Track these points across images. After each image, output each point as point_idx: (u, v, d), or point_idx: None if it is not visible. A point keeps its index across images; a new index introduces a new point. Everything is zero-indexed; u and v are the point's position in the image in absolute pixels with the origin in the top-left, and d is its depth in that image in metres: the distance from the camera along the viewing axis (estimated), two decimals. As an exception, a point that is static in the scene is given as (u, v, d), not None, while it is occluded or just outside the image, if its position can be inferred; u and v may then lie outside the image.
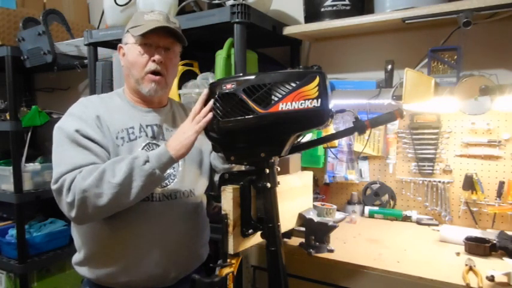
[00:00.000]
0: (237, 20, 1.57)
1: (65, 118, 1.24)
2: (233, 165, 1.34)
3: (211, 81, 1.74)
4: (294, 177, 1.50)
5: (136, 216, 1.21)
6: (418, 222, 1.81)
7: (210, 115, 1.11)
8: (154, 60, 1.25)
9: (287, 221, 1.42)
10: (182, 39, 1.31)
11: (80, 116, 1.21)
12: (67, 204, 1.12)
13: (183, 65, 1.92)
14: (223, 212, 1.13)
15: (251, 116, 1.04)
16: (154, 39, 1.26)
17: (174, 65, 1.34)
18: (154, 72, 1.27)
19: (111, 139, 1.22)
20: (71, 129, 1.18)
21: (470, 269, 1.25)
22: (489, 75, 1.51)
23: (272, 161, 1.14)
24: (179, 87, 1.82)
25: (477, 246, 1.41)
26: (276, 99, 1.03)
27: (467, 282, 1.16)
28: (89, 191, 1.09)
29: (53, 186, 1.15)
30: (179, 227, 1.29)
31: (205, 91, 1.15)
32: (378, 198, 1.95)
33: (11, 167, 2.45)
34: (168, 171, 1.27)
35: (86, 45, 2.09)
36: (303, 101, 1.01)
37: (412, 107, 1.69)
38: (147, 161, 1.12)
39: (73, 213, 1.12)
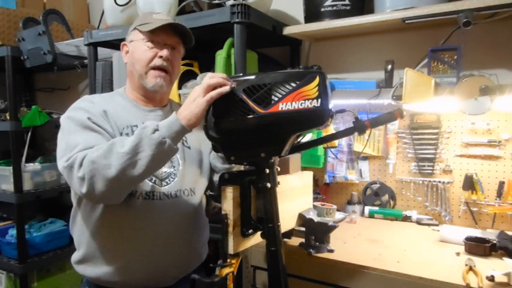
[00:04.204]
0: (237, 20, 1.57)
1: (73, 110, 1.23)
2: (233, 165, 1.34)
3: (211, 81, 1.74)
4: (294, 177, 1.50)
5: (136, 215, 1.21)
6: (418, 222, 1.81)
7: (227, 88, 1.06)
8: (161, 56, 1.26)
9: (287, 221, 1.42)
10: (190, 39, 1.33)
11: (88, 110, 1.21)
12: (78, 179, 1.08)
13: (183, 65, 1.92)
14: (223, 212, 1.13)
15: (251, 116, 1.04)
16: (162, 36, 1.27)
17: (178, 65, 1.35)
18: (159, 68, 1.27)
19: (118, 133, 1.23)
20: (82, 116, 1.18)
21: (470, 269, 1.25)
22: (489, 75, 1.51)
23: (272, 161, 1.14)
24: (179, 87, 1.82)
25: (477, 246, 1.41)
26: (276, 99, 1.03)
27: (467, 282, 1.16)
28: (98, 163, 1.05)
29: (64, 164, 1.11)
30: (179, 226, 1.29)
31: (230, 83, 1.07)
32: (378, 198, 1.95)
33: (11, 167, 2.45)
34: (168, 170, 1.28)
35: (86, 45, 2.09)
36: (303, 101, 1.01)
37: (412, 107, 1.69)
38: (156, 130, 1.08)
39: (84, 189, 1.08)
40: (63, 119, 1.22)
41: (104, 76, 2.03)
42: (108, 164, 1.05)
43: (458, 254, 1.41)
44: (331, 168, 2.05)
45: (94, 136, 1.16)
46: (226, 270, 1.12)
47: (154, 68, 1.27)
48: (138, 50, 1.28)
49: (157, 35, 1.26)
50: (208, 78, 1.08)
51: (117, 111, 1.27)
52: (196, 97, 1.08)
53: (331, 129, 1.47)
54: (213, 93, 1.05)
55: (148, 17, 1.30)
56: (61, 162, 1.13)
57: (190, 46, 1.36)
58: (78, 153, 1.10)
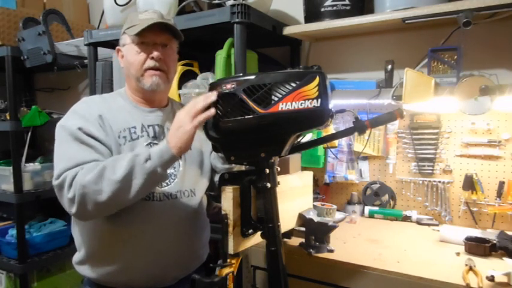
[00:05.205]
0: (237, 20, 1.57)
1: (68, 116, 1.24)
2: (233, 165, 1.34)
3: (211, 81, 1.74)
4: (294, 177, 1.50)
5: (136, 216, 1.21)
6: (418, 222, 1.81)
7: (212, 111, 1.08)
8: (152, 58, 1.26)
9: (287, 221, 1.42)
10: (178, 34, 1.31)
11: (83, 115, 1.22)
12: (68, 200, 1.11)
13: (183, 65, 1.92)
14: (223, 212, 1.13)
15: (251, 116, 1.04)
16: (150, 36, 1.26)
17: (174, 61, 1.34)
18: (153, 69, 1.27)
19: (114, 138, 1.22)
20: (73, 127, 1.18)
21: (470, 269, 1.25)
22: (489, 75, 1.51)
23: (272, 161, 1.14)
24: (179, 87, 1.82)
25: (477, 246, 1.41)
26: (276, 99, 1.03)
27: (467, 282, 1.16)
28: (89, 187, 1.08)
29: (55, 182, 1.14)
30: (179, 227, 1.29)
31: (213, 96, 1.09)
32: (378, 198, 1.95)
33: (11, 167, 2.45)
34: (169, 171, 1.27)
35: (86, 45, 2.09)
36: (303, 101, 1.01)
37: (412, 107, 1.69)
38: (148, 159, 1.10)
39: (73, 209, 1.11)
40: (58, 126, 1.23)
41: (104, 76, 2.03)
42: (99, 190, 1.08)
43: (458, 254, 1.41)
44: (331, 168, 2.05)
45: (84, 151, 1.16)
46: (226, 270, 1.12)
47: (149, 69, 1.27)
48: (130, 54, 1.28)
49: (145, 36, 1.25)
50: (192, 106, 1.09)
51: (115, 114, 1.26)
52: (182, 124, 1.09)
53: (331, 129, 1.47)
54: (200, 118, 1.08)
55: (134, 18, 1.28)
56: (54, 177, 1.16)
57: (181, 40, 1.34)
58: (68, 173, 1.12)
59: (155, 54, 1.25)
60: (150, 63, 1.26)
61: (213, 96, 1.08)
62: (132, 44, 1.27)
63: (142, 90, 1.31)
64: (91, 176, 1.08)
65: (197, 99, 1.11)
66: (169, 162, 1.13)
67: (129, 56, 1.28)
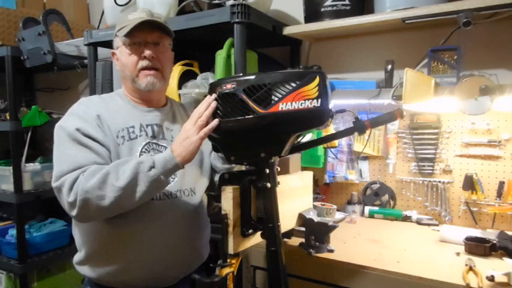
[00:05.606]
0: (237, 20, 1.57)
1: (66, 117, 1.24)
2: (233, 165, 1.34)
3: (211, 81, 1.74)
4: (294, 177, 1.50)
5: (136, 215, 1.21)
6: (418, 222, 1.81)
7: (216, 122, 1.10)
8: (145, 57, 1.25)
9: (287, 221, 1.42)
10: (168, 31, 1.30)
11: (81, 116, 1.22)
12: (68, 203, 1.12)
13: (183, 65, 1.92)
14: (223, 212, 1.13)
15: (251, 116, 1.04)
16: (141, 36, 1.26)
17: (168, 59, 1.33)
18: (147, 68, 1.27)
19: (112, 138, 1.22)
20: (71, 128, 1.18)
21: (470, 269, 1.25)
22: (489, 75, 1.51)
23: (272, 161, 1.14)
24: (179, 87, 1.82)
25: (477, 246, 1.41)
26: (276, 99, 1.03)
27: (467, 282, 1.16)
28: (91, 193, 1.09)
29: (54, 184, 1.15)
30: (180, 226, 1.29)
31: (214, 104, 1.12)
32: (378, 198, 1.95)
33: (11, 167, 2.45)
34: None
35: (86, 45, 2.09)
36: (303, 101, 1.01)
37: (412, 107, 1.69)
38: (152, 167, 1.12)
39: (74, 212, 1.12)
40: (56, 127, 1.23)
41: (104, 76, 2.03)
42: (102, 195, 1.09)
43: (458, 254, 1.41)
44: (331, 168, 2.05)
45: (82, 152, 1.17)
46: (226, 270, 1.12)
47: (143, 69, 1.27)
48: (123, 56, 1.28)
49: (135, 35, 1.25)
50: (198, 117, 1.11)
51: (113, 114, 1.27)
52: (189, 135, 1.12)
53: (331, 129, 1.47)
54: (206, 130, 1.11)
55: (124, 19, 1.28)
56: (53, 180, 1.17)
57: (173, 37, 1.34)
58: (68, 176, 1.12)
59: (147, 53, 1.25)
60: (143, 63, 1.26)
61: (213, 104, 1.11)
62: (124, 46, 1.27)
63: (138, 91, 1.31)
64: (94, 182, 1.09)
65: (200, 108, 1.12)
66: (172, 171, 1.14)
67: (123, 58, 1.29)
